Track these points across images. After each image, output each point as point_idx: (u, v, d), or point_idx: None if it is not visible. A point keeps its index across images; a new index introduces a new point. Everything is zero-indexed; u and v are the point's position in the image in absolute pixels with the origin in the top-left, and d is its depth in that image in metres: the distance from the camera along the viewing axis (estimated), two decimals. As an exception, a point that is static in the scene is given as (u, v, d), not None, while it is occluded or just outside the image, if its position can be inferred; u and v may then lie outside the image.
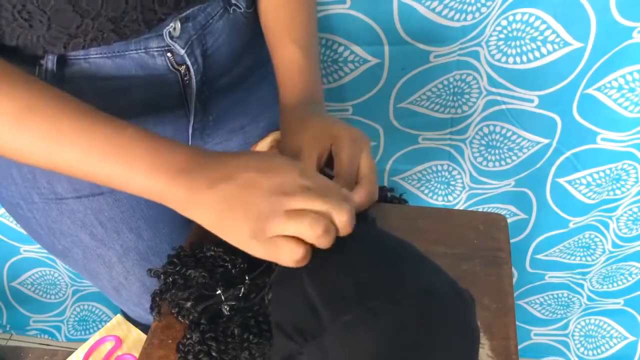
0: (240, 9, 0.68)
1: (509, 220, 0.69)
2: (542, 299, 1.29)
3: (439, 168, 1.08)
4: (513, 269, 0.78)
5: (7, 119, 0.46)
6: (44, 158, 0.48)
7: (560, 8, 0.82)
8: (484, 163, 1.05)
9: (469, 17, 0.84)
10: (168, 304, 0.58)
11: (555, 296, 1.28)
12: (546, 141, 0.99)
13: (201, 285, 0.57)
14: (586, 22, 0.82)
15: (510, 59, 0.89)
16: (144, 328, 0.90)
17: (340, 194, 0.49)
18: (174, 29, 0.60)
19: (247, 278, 0.57)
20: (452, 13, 0.84)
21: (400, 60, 0.91)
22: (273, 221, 0.46)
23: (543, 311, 1.32)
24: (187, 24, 0.61)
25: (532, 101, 0.93)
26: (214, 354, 0.54)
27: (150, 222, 0.72)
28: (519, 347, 0.56)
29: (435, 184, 1.12)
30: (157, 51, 0.60)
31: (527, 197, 1.09)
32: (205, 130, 0.72)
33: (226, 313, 0.57)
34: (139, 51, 0.59)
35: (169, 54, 0.61)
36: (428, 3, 0.83)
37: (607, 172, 1.01)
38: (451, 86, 0.94)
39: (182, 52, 0.62)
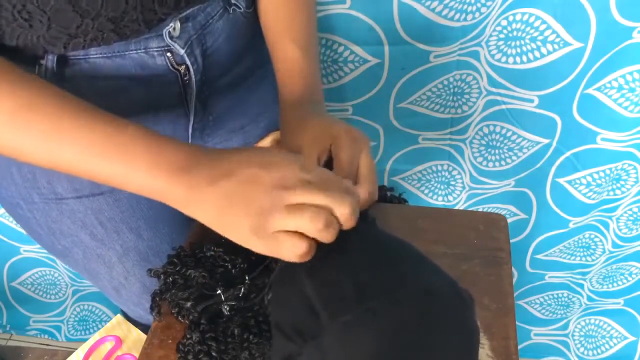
0: (240, 8, 0.68)
1: (509, 220, 0.69)
2: (542, 299, 1.29)
3: (439, 168, 1.08)
4: (513, 269, 0.78)
5: (6, 117, 0.46)
6: (44, 156, 0.48)
7: (560, 8, 0.82)
8: (484, 163, 1.05)
9: (469, 17, 0.84)
10: (168, 304, 0.58)
11: (555, 296, 1.28)
12: (546, 141, 0.99)
13: (201, 285, 0.57)
14: (586, 22, 0.82)
15: (510, 59, 0.89)
16: (144, 328, 0.90)
17: (342, 187, 0.48)
18: (174, 29, 0.60)
19: (247, 278, 0.57)
20: (452, 13, 0.84)
21: (400, 60, 0.91)
22: (274, 216, 0.45)
23: (543, 311, 1.32)
24: (186, 24, 0.61)
25: (532, 101, 0.93)
26: (214, 354, 0.54)
27: (151, 222, 0.72)
28: (519, 347, 0.56)
29: (435, 184, 1.12)
30: (157, 51, 0.60)
31: (527, 197, 1.09)
32: (205, 130, 0.72)
33: (226, 313, 0.57)
34: (139, 51, 0.59)
35: (168, 54, 0.61)
36: (428, 3, 0.83)
37: (607, 172, 1.01)
38: (451, 86, 0.94)
39: (182, 52, 0.62)
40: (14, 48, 0.54)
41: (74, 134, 0.47)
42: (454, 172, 1.08)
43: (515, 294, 0.67)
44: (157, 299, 0.59)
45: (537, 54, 0.87)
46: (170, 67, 0.62)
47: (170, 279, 0.59)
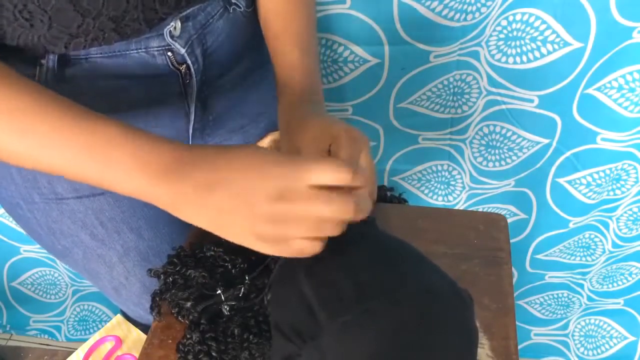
0: (240, 8, 0.68)
1: (509, 220, 0.69)
2: (542, 299, 1.29)
3: (439, 168, 1.09)
4: (513, 269, 0.78)
5: None
6: (27, 158, 0.46)
7: (560, 8, 0.82)
8: (484, 163, 1.05)
9: (469, 17, 0.84)
10: (168, 304, 0.59)
11: (555, 296, 1.28)
12: (546, 141, 0.99)
13: (201, 285, 0.57)
14: (586, 22, 0.82)
15: (510, 59, 0.89)
16: (144, 328, 0.90)
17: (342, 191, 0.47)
18: (175, 28, 0.60)
19: (247, 278, 0.57)
20: (452, 13, 0.84)
21: (400, 60, 0.91)
22: (278, 226, 0.44)
23: (543, 311, 1.32)
24: (187, 24, 0.61)
25: (532, 101, 0.93)
26: (214, 354, 0.54)
27: (151, 222, 0.72)
28: (519, 347, 0.56)
29: (435, 184, 1.12)
30: (157, 50, 0.60)
31: (527, 197, 1.09)
32: (205, 129, 0.72)
33: (226, 313, 0.57)
34: (140, 51, 0.59)
35: (169, 54, 0.61)
36: (428, 3, 0.83)
37: (607, 172, 1.01)
38: (451, 86, 0.94)
39: (183, 51, 0.62)
40: (15, 48, 0.54)
41: (56, 135, 0.45)
42: (454, 172, 1.08)
43: (515, 294, 0.67)
44: (157, 299, 0.59)
45: (537, 54, 0.87)
46: (171, 66, 0.62)
47: (170, 279, 0.59)
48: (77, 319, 1.42)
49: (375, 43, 0.89)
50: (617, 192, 1.05)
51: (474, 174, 1.07)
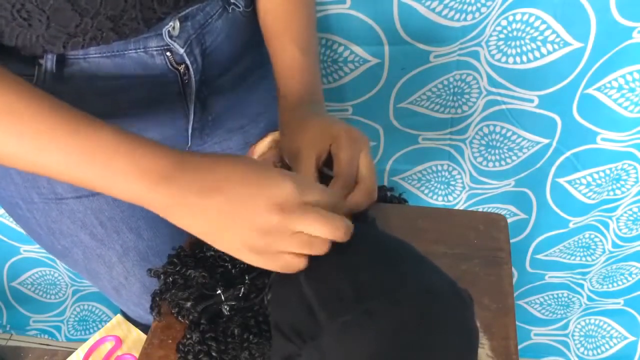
0: (239, 8, 0.68)
1: (509, 220, 0.69)
2: (542, 299, 1.29)
3: (439, 168, 1.08)
4: (513, 269, 0.77)
5: None
6: (21, 161, 0.46)
7: (560, 8, 0.82)
8: (484, 163, 1.05)
9: (469, 17, 0.84)
10: (168, 304, 0.58)
11: (555, 296, 1.28)
12: (546, 141, 0.99)
13: (201, 285, 0.57)
14: (586, 22, 0.82)
15: (510, 59, 0.89)
16: (144, 328, 0.90)
17: (338, 206, 0.49)
18: (173, 28, 0.60)
19: (247, 278, 0.57)
20: (452, 13, 0.84)
21: (400, 60, 0.91)
22: (270, 239, 0.45)
23: (543, 311, 1.32)
24: (186, 23, 0.61)
25: (532, 101, 0.93)
26: (214, 354, 0.54)
27: (150, 222, 0.72)
28: (519, 347, 0.56)
29: (435, 184, 1.12)
30: (156, 50, 0.60)
31: (527, 197, 1.09)
32: (204, 129, 0.72)
33: (226, 313, 0.57)
34: (138, 50, 0.59)
35: (168, 53, 0.61)
36: (428, 3, 0.83)
37: (607, 172, 1.01)
38: (451, 86, 0.94)
39: (182, 51, 0.62)
40: (13, 48, 0.54)
41: (52, 138, 0.45)
42: (454, 172, 1.08)
43: (515, 294, 0.67)
44: (157, 299, 0.59)
45: (537, 54, 0.87)
46: (170, 66, 0.62)
47: (170, 279, 0.59)
48: (77, 319, 1.42)
49: (375, 43, 0.89)
50: (617, 192, 1.05)
51: (474, 174, 1.07)
